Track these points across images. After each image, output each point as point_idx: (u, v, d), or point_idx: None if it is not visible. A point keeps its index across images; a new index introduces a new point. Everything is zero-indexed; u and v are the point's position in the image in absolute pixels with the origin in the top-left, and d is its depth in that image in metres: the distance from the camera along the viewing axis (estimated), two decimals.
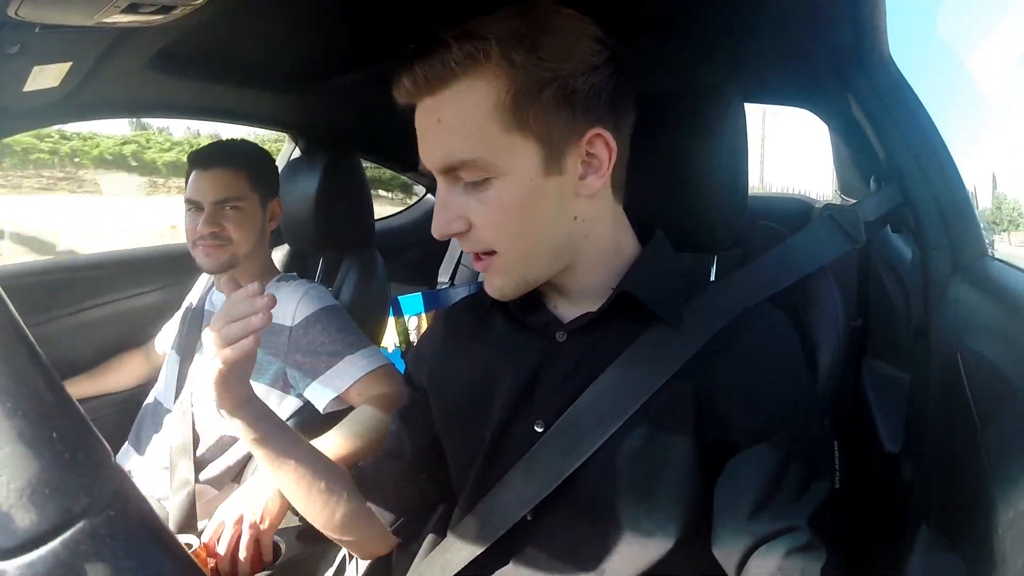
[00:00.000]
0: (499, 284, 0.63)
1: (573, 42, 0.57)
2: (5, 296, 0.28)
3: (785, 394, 0.61)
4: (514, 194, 0.58)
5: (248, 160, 1.18)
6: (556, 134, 0.58)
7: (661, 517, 0.61)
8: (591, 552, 0.62)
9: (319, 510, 0.71)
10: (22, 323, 0.28)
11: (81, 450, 0.27)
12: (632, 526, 0.61)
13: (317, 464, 0.71)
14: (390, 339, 1.71)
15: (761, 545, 0.57)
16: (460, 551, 0.66)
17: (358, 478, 0.75)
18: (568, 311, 0.68)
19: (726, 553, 0.59)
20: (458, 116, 0.57)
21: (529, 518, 0.63)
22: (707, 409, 0.60)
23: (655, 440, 0.61)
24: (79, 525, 0.25)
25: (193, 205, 1.16)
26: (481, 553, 0.65)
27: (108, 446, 0.28)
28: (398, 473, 0.75)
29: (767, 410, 0.60)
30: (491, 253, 0.62)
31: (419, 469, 0.75)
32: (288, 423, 1.12)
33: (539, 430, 0.64)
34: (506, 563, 0.65)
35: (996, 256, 0.78)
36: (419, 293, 1.79)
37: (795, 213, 1.52)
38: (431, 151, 0.60)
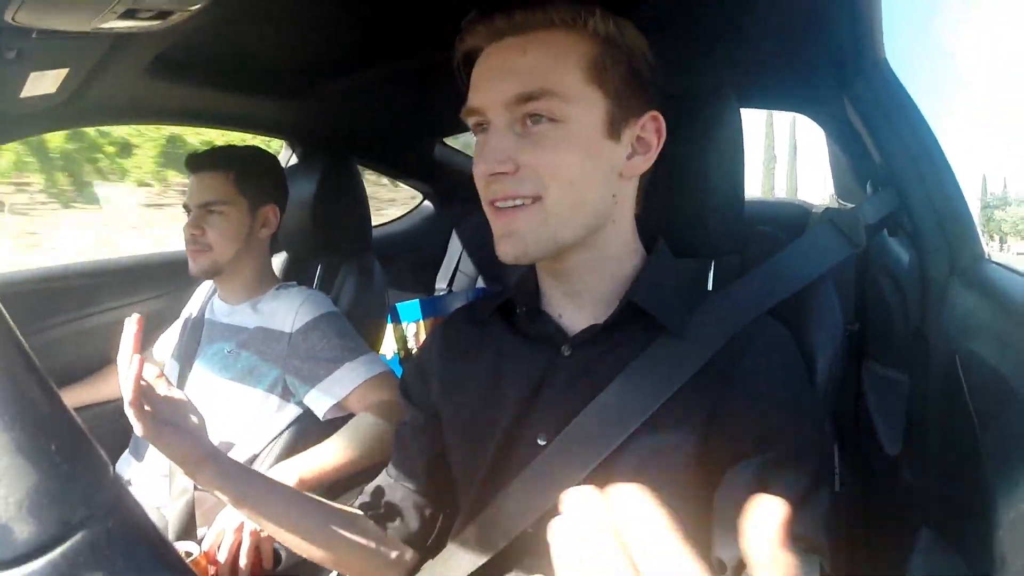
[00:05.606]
0: (526, 240, 0.60)
1: (639, 36, 0.64)
2: (0, 306, 0.28)
3: (787, 406, 0.61)
4: (575, 141, 0.60)
5: (237, 163, 1.17)
6: (624, 100, 0.62)
7: None
8: None
9: (319, 557, 0.70)
10: (18, 333, 0.28)
11: (79, 461, 0.27)
12: None
13: (312, 517, 0.71)
14: (388, 346, 1.71)
15: None
16: (461, 561, 0.66)
17: (370, 505, 0.74)
18: (573, 320, 0.67)
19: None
20: (547, 53, 0.59)
21: (530, 529, 0.63)
22: (713, 422, 0.60)
23: (659, 452, 0.60)
24: (78, 536, 0.25)
25: (185, 209, 1.17)
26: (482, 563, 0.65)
27: (106, 457, 0.28)
28: (407, 498, 0.74)
29: (771, 422, 0.60)
30: (535, 200, 0.59)
31: (423, 493, 0.74)
32: (288, 431, 1.14)
33: (542, 443, 0.63)
34: (507, 573, 0.64)
35: (993, 259, 0.78)
36: (416, 300, 1.78)
37: (793, 218, 1.52)
38: (506, 82, 0.59)
